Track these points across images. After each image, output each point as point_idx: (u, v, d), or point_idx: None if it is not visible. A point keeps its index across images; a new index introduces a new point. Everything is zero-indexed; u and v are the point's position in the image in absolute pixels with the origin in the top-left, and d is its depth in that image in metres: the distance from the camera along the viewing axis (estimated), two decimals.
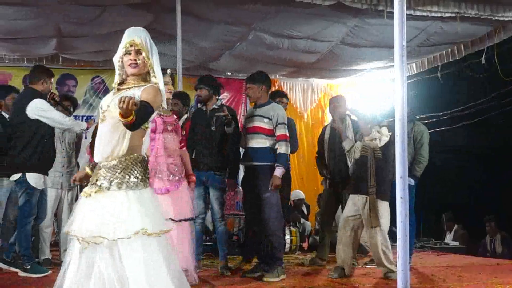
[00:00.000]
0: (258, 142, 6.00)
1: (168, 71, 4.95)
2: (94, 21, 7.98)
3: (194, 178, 5.47)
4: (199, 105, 6.79)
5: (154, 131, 4.99)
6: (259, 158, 5.99)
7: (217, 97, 6.39)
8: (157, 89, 3.22)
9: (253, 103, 6.31)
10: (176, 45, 7.34)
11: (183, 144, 5.40)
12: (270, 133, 6.00)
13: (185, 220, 5.08)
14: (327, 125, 7.41)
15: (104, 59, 10.03)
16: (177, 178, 5.12)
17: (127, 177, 3.13)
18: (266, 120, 6.00)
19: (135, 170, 3.16)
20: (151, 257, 3.04)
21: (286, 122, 6.06)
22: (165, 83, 4.49)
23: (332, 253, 7.31)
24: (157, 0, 7.54)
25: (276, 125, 5.97)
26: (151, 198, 3.21)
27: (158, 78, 3.27)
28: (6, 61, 9.79)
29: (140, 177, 3.16)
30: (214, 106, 6.33)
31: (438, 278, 6.06)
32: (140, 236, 3.01)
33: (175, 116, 5.37)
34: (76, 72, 10.41)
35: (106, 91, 10.49)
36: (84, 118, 10.27)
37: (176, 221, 4.90)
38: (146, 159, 3.29)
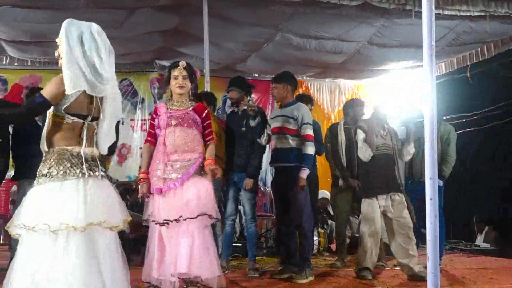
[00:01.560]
0: (284, 143, 5.98)
1: (181, 63, 4.72)
2: (122, 24, 8.04)
3: (213, 167, 4.66)
4: (230, 107, 6.79)
5: (158, 126, 4.76)
6: (285, 159, 5.96)
7: (248, 98, 6.40)
8: (55, 79, 3.29)
9: (279, 104, 6.28)
10: (203, 47, 7.35)
11: (209, 138, 4.79)
12: (295, 133, 5.95)
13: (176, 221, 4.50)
14: (334, 126, 7.33)
15: (132, 61, 10.10)
16: (179, 176, 4.57)
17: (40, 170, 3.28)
18: (291, 120, 5.96)
19: (46, 163, 3.28)
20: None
21: (311, 122, 6.02)
22: (175, 77, 4.69)
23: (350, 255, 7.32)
24: (184, 3, 7.57)
25: (301, 125, 5.93)
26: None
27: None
28: (37, 64, 9.93)
29: (44, 170, 3.26)
30: (245, 107, 6.33)
31: (469, 280, 5.99)
32: None
33: (190, 108, 4.74)
34: None
35: (135, 93, 10.61)
36: None
37: (160, 223, 4.51)
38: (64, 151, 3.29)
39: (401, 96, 11.26)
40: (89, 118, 3.34)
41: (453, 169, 6.98)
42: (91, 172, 3.28)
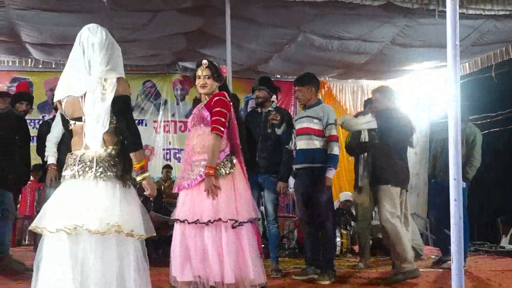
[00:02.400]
0: (308, 144, 5.95)
1: (203, 62, 4.64)
2: (145, 26, 8.12)
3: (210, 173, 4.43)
4: (253, 107, 6.76)
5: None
6: (310, 160, 5.94)
7: (272, 99, 6.39)
8: None
9: (302, 105, 6.27)
10: (225, 49, 7.36)
11: (212, 127, 4.51)
12: (320, 134, 5.93)
13: (197, 222, 4.39)
14: None
15: (155, 63, 10.18)
16: (195, 175, 4.47)
17: None
18: (316, 120, 5.94)
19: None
20: None
21: (336, 123, 6.01)
22: (198, 77, 4.65)
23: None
24: (206, 4, 7.60)
25: (326, 126, 5.91)
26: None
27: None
28: (61, 67, 9.97)
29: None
30: (270, 109, 6.33)
31: (494, 282, 5.93)
32: None
33: (203, 105, 4.63)
34: (128, 77, 10.41)
35: (158, 95, 10.67)
36: (136, 121, 10.42)
37: (189, 222, 4.40)
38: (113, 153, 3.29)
39: (425, 96, 11.21)
40: (84, 118, 3.29)
41: (477, 170, 6.93)
42: (82, 174, 3.22)
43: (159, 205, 8.56)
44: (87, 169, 3.23)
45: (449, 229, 4.34)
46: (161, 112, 10.79)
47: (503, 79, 9.85)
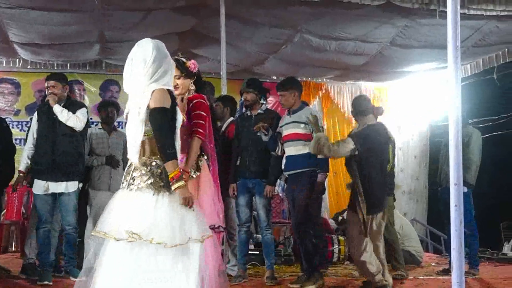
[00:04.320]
0: (298, 149, 5.87)
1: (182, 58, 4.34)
2: (138, 25, 8.00)
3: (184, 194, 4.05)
4: (243, 110, 6.63)
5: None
6: (300, 165, 5.84)
7: (261, 101, 6.27)
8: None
9: (287, 110, 6.13)
10: (220, 49, 7.25)
11: (192, 130, 4.23)
12: (308, 138, 5.82)
13: None
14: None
15: None
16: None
17: None
18: (302, 125, 5.88)
19: None
20: None
21: (322, 125, 5.96)
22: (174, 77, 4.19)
23: None
24: (201, 3, 7.49)
25: (313, 130, 5.78)
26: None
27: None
28: (49, 67, 9.88)
29: None
30: (259, 111, 6.24)
31: None
32: None
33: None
34: (120, 78, 10.26)
35: None
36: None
37: None
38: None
39: (425, 98, 11.11)
40: None
41: (479, 174, 6.80)
42: (131, 186, 3.44)
43: None
44: (124, 180, 3.49)
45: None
46: None
47: (505, 81, 9.79)
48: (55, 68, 9.82)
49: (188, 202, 3.39)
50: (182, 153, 4.06)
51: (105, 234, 3.30)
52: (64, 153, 6.03)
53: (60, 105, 6.06)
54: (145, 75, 3.41)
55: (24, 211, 8.20)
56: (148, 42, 3.56)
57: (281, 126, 6.06)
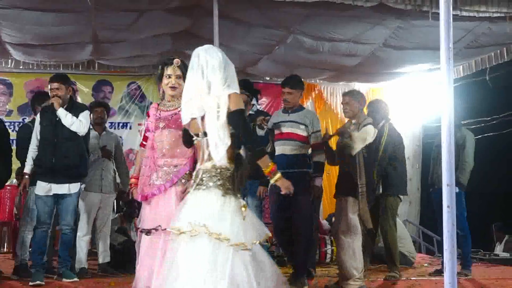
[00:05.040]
0: (292, 149, 5.83)
1: (175, 60, 4.36)
2: (131, 26, 7.96)
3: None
4: None
5: (148, 130, 4.49)
6: (294, 165, 5.77)
7: (252, 102, 6.26)
8: None
9: (285, 108, 6.09)
10: None
11: None
12: (304, 140, 5.83)
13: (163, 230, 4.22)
14: None
15: (140, 64, 10.04)
16: (163, 182, 4.30)
17: None
18: (302, 126, 5.85)
19: None
20: None
21: (320, 130, 5.95)
22: (167, 76, 4.36)
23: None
24: (194, 4, 7.46)
25: (312, 133, 5.81)
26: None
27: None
28: (42, 67, 9.86)
29: None
30: (250, 112, 6.22)
31: None
32: None
33: (178, 109, 4.33)
34: (112, 78, 10.42)
35: (143, 97, 10.48)
36: (121, 124, 10.27)
37: (148, 231, 4.24)
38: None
39: (418, 100, 11.11)
40: (201, 135, 3.63)
41: (471, 176, 6.82)
42: (198, 186, 3.57)
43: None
44: (196, 181, 3.60)
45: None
46: (146, 115, 10.59)
47: (497, 83, 9.80)
48: (48, 68, 9.81)
49: (289, 189, 3.64)
50: (184, 156, 4.30)
51: (178, 230, 3.43)
52: (67, 155, 6.07)
53: (63, 107, 6.06)
54: (220, 80, 3.56)
55: (16, 212, 8.18)
56: (215, 49, 3.70)
57: (276, 123, 6.00)
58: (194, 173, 3.70)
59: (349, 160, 5.69)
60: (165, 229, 3.99)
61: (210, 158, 3.58)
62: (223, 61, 3.60)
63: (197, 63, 3.60)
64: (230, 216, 3.45)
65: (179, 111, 4.29)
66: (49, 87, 6.23)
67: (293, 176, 5.71)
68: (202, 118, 3.59)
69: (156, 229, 4.15)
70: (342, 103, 6.27)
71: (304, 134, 5.83)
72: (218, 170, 3.55)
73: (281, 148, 5.89)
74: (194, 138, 3.68)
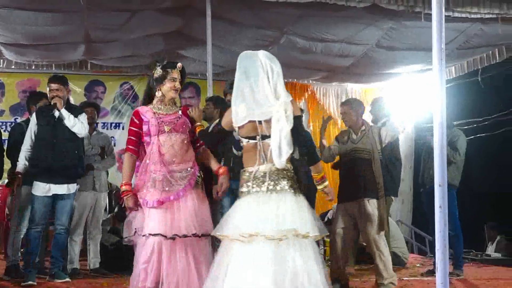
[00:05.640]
0: None
1: (178, 65, 4.41)
2: (123, 26, 7.95)
3: (222, 170, 4.57)
4: None
5: (148, 134, 4.30)
6: None
7: None
8: (228, 111, 3.84)
9: None
10: (206, 50, 7.22)
11: (200, 143, 4.52)
12: None
13: (184, 236, 4.18)
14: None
15: (133, 64, 10.02)
16: (180, 186, 4.25)
17: None
18: None
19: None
20: None
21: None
22: (172, 79, 4.34)
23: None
24: (187, 4, 7.45)
25: None
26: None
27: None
28: (33, 67, 9.83)
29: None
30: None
31: None
32: None
33: (179, 112, 4.45)
34: (105, 78, 10.40)
35: (135, 97, 10.45)
36: (113, 125, 10.24)
37: (167, 237, 4.12)
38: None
39: (410, 100, 11.12)
40: (258, 137, 3.70)
41: (463, 176, 6.84)
42: (258, 188, 3.66)
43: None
44: (260, 183, 3.66)
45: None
46: None
47: (489, 84, 9.83)
48: (40, 68, 9.78)
49: (333, 195, 3.93)
50: (191, 160, 4.33)
51: (255, 234, 3.47)
52: (66, 156, 6.06)
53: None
54: (283, 87, 3.70)
55: (8, 212, 8.12)
56: (272, 55, 3.78)
57: None
58: (247, 174, 3.73)
59: (366, 163, 5.72)
60: (196, 234, 4.14)
61: (267, 160, 3.69)
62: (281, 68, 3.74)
63: (262, 68, 3.68)
64: (306, 214, 3.61)
65: (181, 115, 4.38)
66: (48, 87, 6.22)
67: None
68: (261, 121, 3.67)
69: (186, 235, 4.13)
70: (340, 112, 6.30)
71: None
72: (284, 172, 3.67)
73: None
74: (245, 140, 3.74)
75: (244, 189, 3.72)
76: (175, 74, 4.35)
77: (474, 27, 8.03)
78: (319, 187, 3.84)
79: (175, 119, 4.36)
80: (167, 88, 4.35)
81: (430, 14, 4.42)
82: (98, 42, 8.72)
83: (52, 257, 6.25)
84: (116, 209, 8.12)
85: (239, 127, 3.76)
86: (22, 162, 6.12)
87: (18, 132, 6.57)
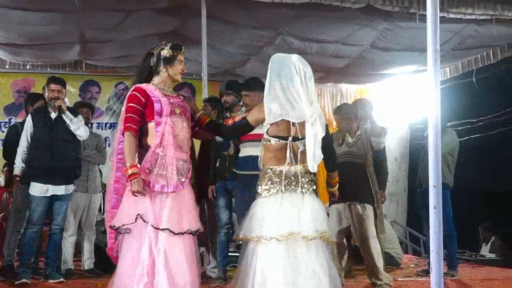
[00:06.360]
0: (258, 151, 5.66)
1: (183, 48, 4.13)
2: (118, 26, 7.95)
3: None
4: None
5: (160, 113, 3.86)
6: (257, 167, 5.64)
7: (240, 104, 6.22)
8: (259, 107, 3.90)
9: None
10: (201, 51, 7.21)
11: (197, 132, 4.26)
12: None
13: (190, 233, 3.88)
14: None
15: (128, 64, 9.98)
16: (183, 179, 3.90)
17: None
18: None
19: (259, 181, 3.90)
20: None
21: None
22: (181, 61, 4.02)
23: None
24: (182, 5, 7.46)
25: None
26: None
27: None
28: (28, 67, 9.80)
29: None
30: (239, 113, 6.17)
31: None
32: None
33: (181, 98, 4.10)
34: (100, 79, 10.37)
35: None
36: (108, 125, 10.21)
37: (176, 233, 3.78)
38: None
39: (405, 101, 11.14)
40: (290, 138, 3.75)
41: (458, 176, 6.84)
42: (289, 188, 3.71)
43: None
44: (292, 184, 3.72)
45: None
46: None
47: (484, 85, 9.85)
48: (35, 68, 9.76)
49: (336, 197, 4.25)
50: (187, 150, 4.00)
51: (296, 233, 3.54)
52: (65, 157, 6.09)
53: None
54: (314, 91, 3.82)
55: (3, 212, 8.09)
56: (304, 60, 3.88)
57: None
58: (276, 173, 3.76)
59: (359, 168, 5.77)
60: (198, 231, 3.89)
61: (297, 162, 3.75)
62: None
63: (295, 70, 3.77)
64: (323, 216, 3.74)
65: (180, 99, 4.06)
66: (47, 88, 6.21)
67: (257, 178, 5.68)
68: (295, 123, 3.74)
69: (194, 233, 3.88)
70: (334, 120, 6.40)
71: None
72: (312, 175, 3.78)
73: (247, 150, 5.67)
74: (274, 140, 3.78)
75: (272, 187, 3.74)
76: (182, 57, 4.06)
77: (469, 28, 8.06)
78: (331, 189, 4.17)
79: (182, 103, 4.03)
80: (175, 71, 4.01)
81: (425, 15, 4.43)
82: (93, 42, 8.70)
83: (47, 258, 6.24)
84: None
85: (271, 124, 3.78)
86: (19, 165, 6.13)
87: (13, 133, 6.56)
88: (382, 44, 8.72)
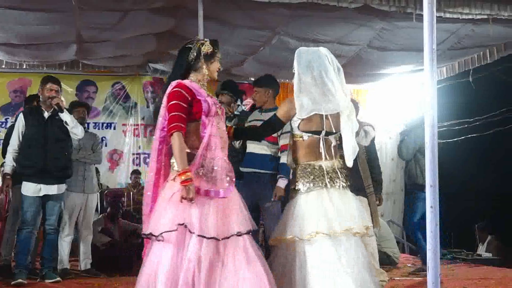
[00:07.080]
0: (261, 149, 5.67)
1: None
2: (115, 26, 7.91)
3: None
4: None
5: (207, 113, 3.61)
6: (259, 165, 5.65)
7: (237, 104, 6.23)
8: (288, 101, 3.93)
9: (259, 107, 6.00)
10: None
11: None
12: (274, 141, 5.64)
13: (240, 235, 3.52)
14: None
15: (125, 64, 9.98)
16: (230, 182, 3.63)
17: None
18: None
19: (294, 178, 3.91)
20: None
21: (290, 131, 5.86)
22: (219, 60, 3.90)
23: None
24: (179, 5, 7.44)
25: (281, 134, 5.53)
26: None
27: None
28: (24, 67, 9.78)
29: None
30: (236, 113, 6.20)
31: None
32: None
33: (210, 95, 3.81)
34: (96, 78, 10.39)
35: (127, 97, 10.44)
36: (105, 125, 10.22)
37: (218, 239, 3.44)
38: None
39: (402, 101, 11.15)
40: (323, 133, 3.74)
41: (454, 176, 6.84)
42: (332, 183, 3.71)
43: (127, 212, 8.39)
44: (335, 179, 3.72)
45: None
46: (130, 116, 10.55)
47: (480, 84, 9.84)
48: (31, 68, 9.74)
49: None
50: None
51: (348, 230, 3.59)
52: (57, 157, 6.14)
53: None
54: (341, 82, 3.85)
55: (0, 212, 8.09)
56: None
57: (250, 121, 5.85)
58: (316, 168, 3.74)
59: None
60: (249, 232, 3.57)
61: (333, 157, 3.78)
62: None
63: (328, 61, 3.81)
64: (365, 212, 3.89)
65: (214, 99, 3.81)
66: (43, 87, 6.22)
67: (258, 177, 5.62)
68: (328, 116, 3.74)
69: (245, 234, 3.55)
70: None
71: (274, 134, 5.48)
72: (346, 170, 3.82)
73: (251, 146, 5.73)
74: (307, 135, 3.75)
75: (315, 182, 3.71)
76: (220, 54, 3.90)
77: (466, 28, 8.05)
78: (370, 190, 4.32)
79: (216, 101, 3.79)
80: (214, 68, 3.85)
81: (422, 15, 4.42)
82: (90, 42, 8.67)
83: (43, 258, 6.25)
84: (108, 210, 8.10)
85: (302, 120, 3.75)
86: (10, 164, 6.14)
87: (11, 133, 6.56)
88: (379, 43, 8.71)
